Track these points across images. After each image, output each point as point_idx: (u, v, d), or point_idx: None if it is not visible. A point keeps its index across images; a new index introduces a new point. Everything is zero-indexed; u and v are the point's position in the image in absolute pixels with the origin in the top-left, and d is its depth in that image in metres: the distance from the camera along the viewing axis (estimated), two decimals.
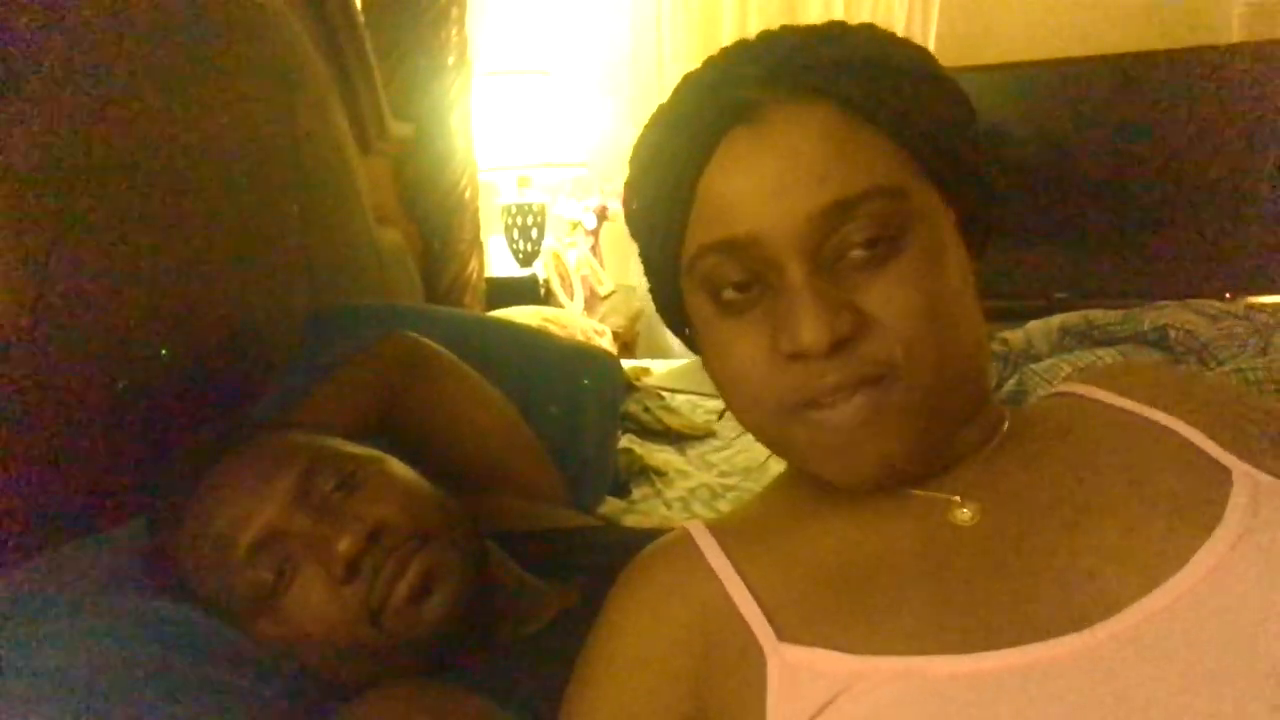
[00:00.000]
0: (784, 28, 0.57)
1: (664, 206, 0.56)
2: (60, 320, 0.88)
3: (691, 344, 0.65)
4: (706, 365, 0.60)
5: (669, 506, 1.31)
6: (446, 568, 0.74)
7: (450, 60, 2.00)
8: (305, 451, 0.77)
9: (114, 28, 0.98)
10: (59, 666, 0.62)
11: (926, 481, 0.57)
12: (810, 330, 0.50)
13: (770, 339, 0.53)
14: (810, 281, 0.51)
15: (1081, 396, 0.63)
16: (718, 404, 1.82)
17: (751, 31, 0.58)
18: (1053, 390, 0.68)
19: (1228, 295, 2.41)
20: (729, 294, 0.54)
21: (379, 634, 0.71)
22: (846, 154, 0.52)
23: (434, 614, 0.73)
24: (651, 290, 0.64)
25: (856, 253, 0.52)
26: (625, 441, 1.47)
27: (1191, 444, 0.56)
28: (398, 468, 0.81)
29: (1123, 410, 0.60)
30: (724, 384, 0.58)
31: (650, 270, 0.63)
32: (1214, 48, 2.65)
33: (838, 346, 0.51)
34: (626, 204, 0.63)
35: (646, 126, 0.60)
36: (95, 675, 0.62)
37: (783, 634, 0.53)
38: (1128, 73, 2.67)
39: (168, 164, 1.05)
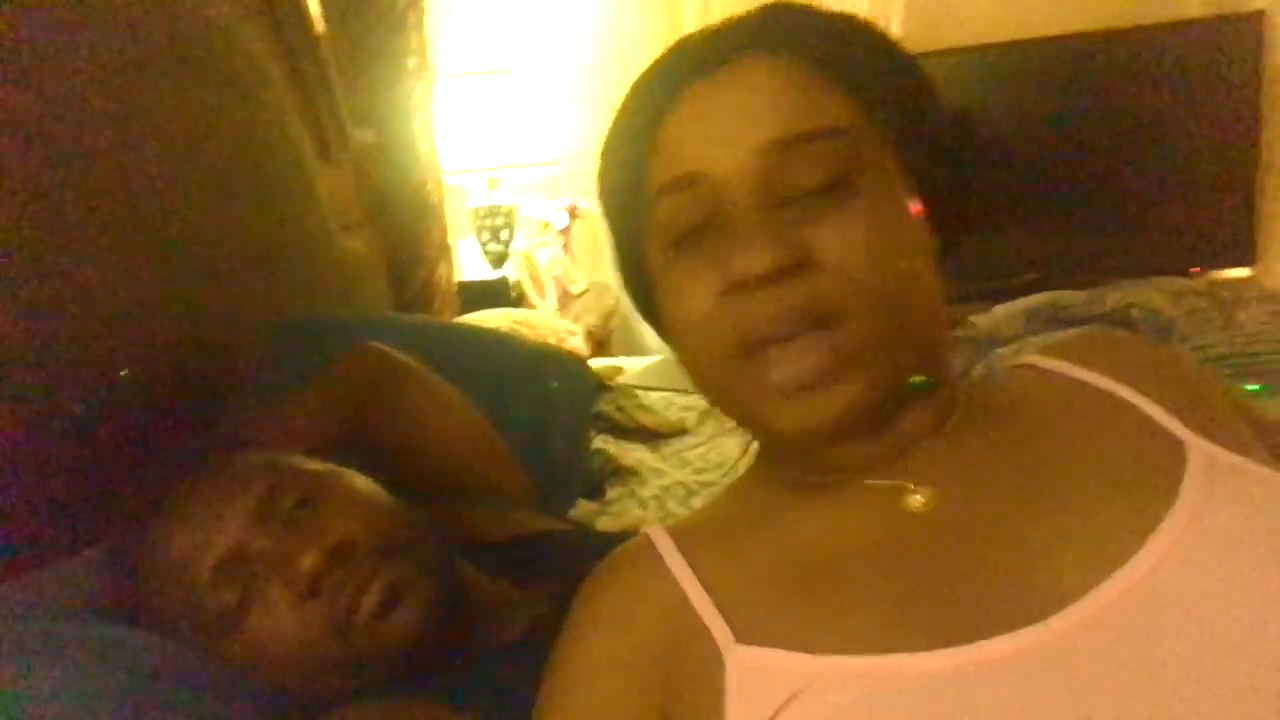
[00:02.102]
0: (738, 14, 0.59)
1: (630, 161, 0.58)
2: (9, 333, 0.86)
3: (660, 327, 0.64)
4: (667, 327, 0.60)
5: (643, 506, 1.31)
6: (412, 580, 0.73)
7: (411, 64, 1.98)
8: (265, 471, 0.77)
9: (68, 37, 0.97)
10: (28, 695, 0.61)
11: (879, 468, 0.57)
12: (746, 254, 0.51)
13: (718, 276, 0.53)
14: (753, 210, 0.52)
15: (1041, 369, 0.63)
16: (692, 400, 1.82)
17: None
18: (1011, 363, 0.67)
19: (1194, 270, 2.43)
20: (687, 242, 0.55)
21: (347, 649, 0.71)
22: (799, 96, 0.54)
23: (402, 627, 0.72)
24: (620, 270, 0.65)
25: (808, 194, 0.52)
26: (599, 442, 1.46)
27: (1148, 418, 0.56)
28: (359, 481, 0.80)
29: (1081, 383, 0.60)
30: (675, 334, 0.58)
31: (619, 244, 0.63)
32: (1174, 23, 2.67)
33: (780, 276, 0.50)
34: (599, 182, 0.63)
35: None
36: (65, 704, 0.61)
37: (740, 635, 0.53)
38: (1090, 51, 2.68)
39: (122, 176, 1.04)
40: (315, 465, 0.80)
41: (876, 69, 0.56)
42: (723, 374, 0.55)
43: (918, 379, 0.56)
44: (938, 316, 0.58)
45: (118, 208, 1.03)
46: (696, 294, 0.54)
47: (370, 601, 0.71)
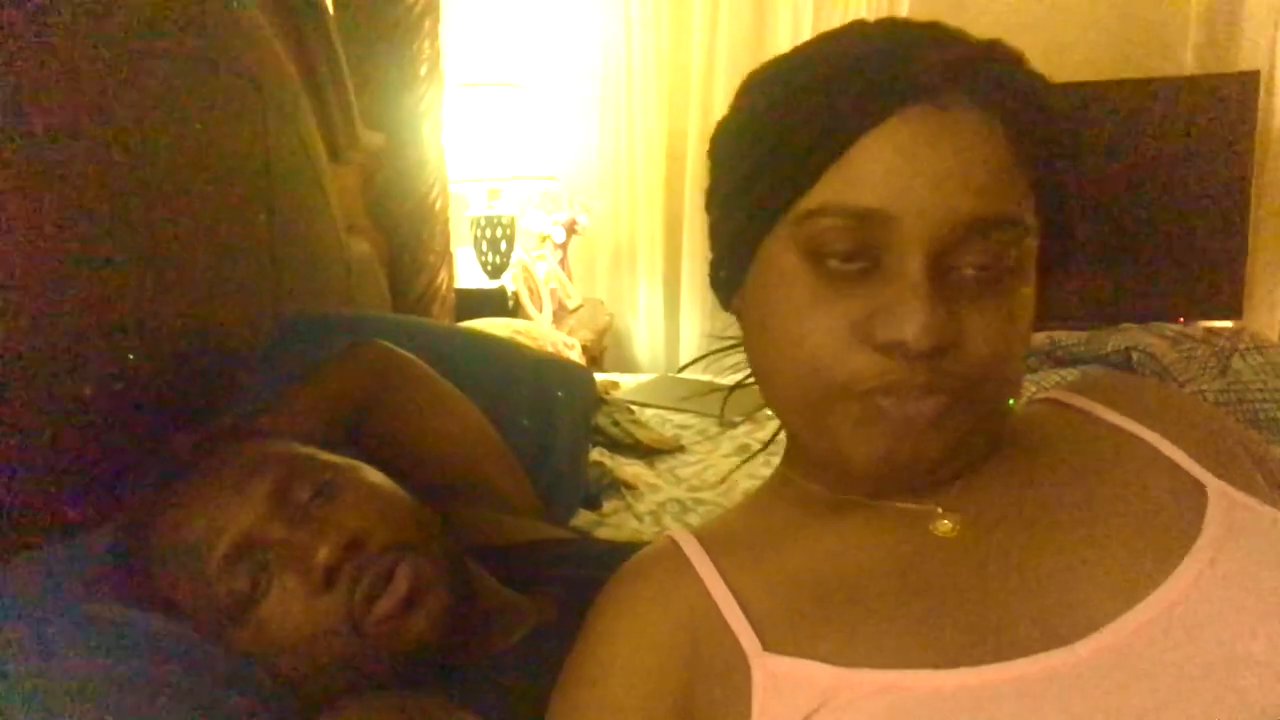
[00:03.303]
0: (946, 28, 0.55)
1: (803, 152, 0.52)
2: (21, 323, 0.86)
3: (729, 304, 0.63)
4: (760, 324, 0.57)
5: (639, 520, 1.31)
6: (431, 579, 0.73)
7: (422, 70, 1.99)
8: (281, 459, 0.76)
9: (86, 28, 0.97)
10: (39, 674, 0.60)
11: (909, 494, 0.58)
12: (919, 328, 0.49)
13: (863, 318, 0.51)
14: (926, 274, 0.50)
15: (1065, 405, 0.65)
16: (685, 419, 1.82)
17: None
18: (1037, 397, 0.69)
19: (1181, 319, 2.47)
20: (832, 262, 0.52)
21: (360, 644, 0.70)
22: (1004, 173, 0.52)
23: (420, 625, 0.72)
24: (718, 233, 0.61)
25: (969, 272, 0.52)
26: (595, 454, 1.47)
27: (1169, 459, 0.57)
28: (375, 476, 0.80)
29: (1104, 422, 0.61)
30: (781, 346, 0.55)
31: (732, 210, 0.58)
32: (1170, 79, 2.73)
33: (936, 352, 0.50)
34: (730, 126, 0.59)
35: (792, 63, 0.56)
36: (76, 686, 0.60)
37: (768, 644, 0.54)
38: (1086, 100, 2.74)
39: (136, 167, 1.04)
40: (331, 457, 0.80)
41: (1057, 155, 0.55)
42: (829, 402, 0.53)
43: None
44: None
45: (129, 199, 1.03)
46: (829, 324, 0.52)
47: (393, 598, 0.71)
